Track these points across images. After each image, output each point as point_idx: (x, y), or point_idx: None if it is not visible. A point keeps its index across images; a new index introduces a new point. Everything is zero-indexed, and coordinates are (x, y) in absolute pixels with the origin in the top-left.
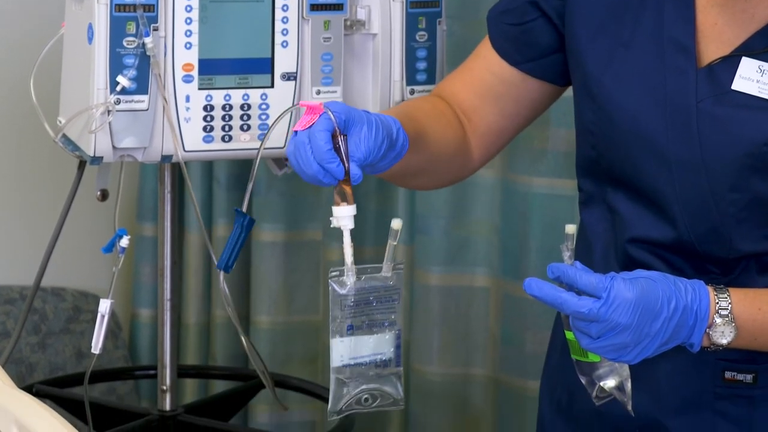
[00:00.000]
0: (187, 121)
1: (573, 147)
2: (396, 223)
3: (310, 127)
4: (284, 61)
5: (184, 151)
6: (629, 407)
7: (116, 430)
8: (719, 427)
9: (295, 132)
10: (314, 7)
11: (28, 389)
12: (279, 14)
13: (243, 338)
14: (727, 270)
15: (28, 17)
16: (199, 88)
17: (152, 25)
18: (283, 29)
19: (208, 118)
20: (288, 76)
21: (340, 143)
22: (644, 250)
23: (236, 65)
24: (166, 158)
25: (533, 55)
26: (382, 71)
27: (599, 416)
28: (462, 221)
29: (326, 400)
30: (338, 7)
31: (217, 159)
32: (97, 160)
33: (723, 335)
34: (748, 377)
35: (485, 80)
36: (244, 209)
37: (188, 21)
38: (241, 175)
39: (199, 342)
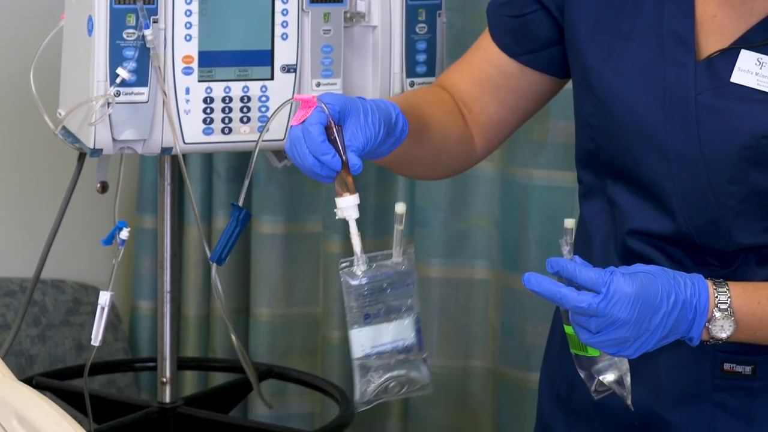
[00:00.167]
0: (186, 113)
1: (572, 139)
2: (400, 207)
3: (303, 121)
4: (284, 53)
5: (184, 143)
6: (628, 401)
7: (116, 422)
8: (718, 418)
9: (292, 127)
10: None
11: (28, 381)
12: (279, 6)
13: (232, 334)
14: (726, 262)
15: (28, 9)
16: (199, 81)
17: (152, 17)
18: (283, 21)
19: (208, 111)
20: (288, 69)
21: (335, 135)
22: (643, 243)
23: (236, 57)
24: (165, 150)
25: (532, 47)
26: (382, 63)
27: (599, 408)
28: (462, 214)
29: (326, 393)
30: None
31: (216, 151)
32: (96, 152)
33: (722, 329)
34: (747, 369)
35: (485, 72)
36: (241, 203)
37: (188, 13)
38: (241, 168)
39: (198, 334)
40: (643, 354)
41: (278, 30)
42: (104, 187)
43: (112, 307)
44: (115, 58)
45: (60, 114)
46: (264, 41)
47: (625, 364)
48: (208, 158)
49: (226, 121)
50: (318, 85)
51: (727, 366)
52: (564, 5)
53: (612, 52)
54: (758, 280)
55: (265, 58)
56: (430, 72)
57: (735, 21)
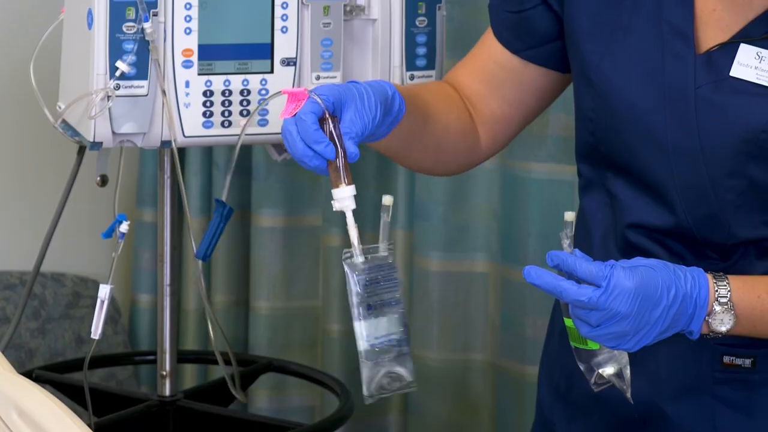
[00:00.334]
0: (186, 106)
1: (572, 132)
2: (387, 200)
3: (296, 113)
4: (284, 46)
5: (184, 136)
6: (628, 394)
7: (116, 416)
8: (718, 411)
9: (285, 120)
10: None
11: (28, 375)
12: None
13: (210, 328)
14: (726, 256)
15: (28, 3)
16: (199, 74)
17: (152, 10)
18: (283, 14)
19: (208, 104)
20: (288, 62)
21: (332, 127)
22: (643, 236)
23: (236, 51)
24: (165, 144)
25: (533, 43)
26: (381, 57)
27: (598, 401)
28: (461, 207)
29: (325, 386)
30: None
31: (216, 145)
32: (96, 145)
33: (722, 323)
34: (747, 362)
35: (488, 68)
36: (224, 198)
37: (188, 6)
38: (241, 161)
39: (198, 328)
40: (643, 347)
41: (278, 23)
42: (104, 181)
43: (112, 301)
44: (115, 51)
45: (60, 107)
46: (264, 34)
47: (624, 357)
48: (207, 151)
49: (226, 114)
50: (318, 78)
51: (726, 359)
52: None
53: (611, 45)
54: (758, 274)
55: (265, 51)
56: (430, 65)
57: (734, 15)
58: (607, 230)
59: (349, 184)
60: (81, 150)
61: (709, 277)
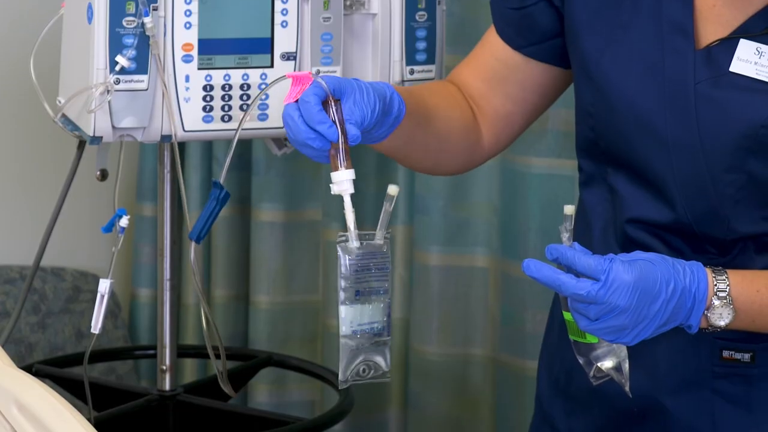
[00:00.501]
0: (186, 101)
1: (572, 127)
2: (392, 189)
3: (299, 97)
4: (284, 40)
5: (184, 131)
6: (627, 388)
7: (116, 410)
8: (717, 406)
9: (286, 105)
10: None
11: (28, 369)
12: None
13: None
14: (725, 251)
15: None
16: (199, 68)
17: (152, 4)
18: (283, 9)
19: (208, 98)
20: (287, 56)
21: (333, 109)
22: (643, 231)
23: (236, 45)
24: (165, 138)
25: (534, 39)
26: (381, 51)
27: (597, 395)
28: (461, 201)
29: (325, 380)
30: None
31: (216, 139)
32: (96, 140)
33: (721, 317)
34: (746, 356)
35: (490, 65)
36: (222, 180)
37: (188, 1)
38: (241, 155)
39: (198, 322)
40: (642, 341)
41: (278, 17)
42: (104, 175)
43: (112, 295)
44: (115, 45)
45: (60, 102)
46: (264, 29)
47: (623, 351)
48: (207, 146)
49: (226, 108)
50: (318, 72)
51: (726, 353)
52: None
53: (611, 40)
54: (757, 269)
55: (265, 45)
56: (430, 60)
57: (734, 10)
58: (607, 224)
59: (348, 168)
60: (81, 144)
61: (708, 271)
